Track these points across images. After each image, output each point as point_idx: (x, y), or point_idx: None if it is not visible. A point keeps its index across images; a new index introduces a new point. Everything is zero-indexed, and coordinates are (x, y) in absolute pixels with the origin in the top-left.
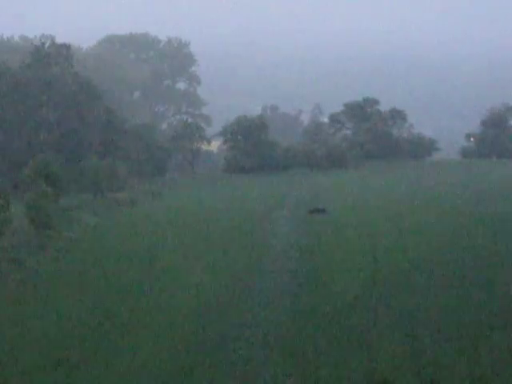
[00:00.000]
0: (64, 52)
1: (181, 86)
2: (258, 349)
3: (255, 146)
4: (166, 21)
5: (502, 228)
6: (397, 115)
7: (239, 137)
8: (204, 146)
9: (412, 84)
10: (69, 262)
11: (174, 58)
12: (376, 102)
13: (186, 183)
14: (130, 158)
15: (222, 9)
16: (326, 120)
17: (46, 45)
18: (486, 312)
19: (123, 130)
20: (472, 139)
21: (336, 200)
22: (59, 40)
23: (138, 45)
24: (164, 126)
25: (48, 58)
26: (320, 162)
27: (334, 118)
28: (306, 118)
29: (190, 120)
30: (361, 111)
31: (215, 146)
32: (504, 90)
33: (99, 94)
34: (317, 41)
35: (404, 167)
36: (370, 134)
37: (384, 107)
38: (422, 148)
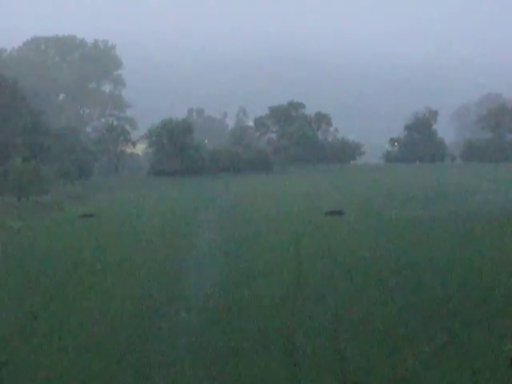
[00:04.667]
0: None
1: (106, 88)
2: (183, 352)
3: (180, 149)
4: (94, 23)
5: (429, 232)
6: (322, 119)
7: (164, 140)
8: (129, 149)
9: (338, 88)
10: None
11: (99, 61)
12: (302, 105)
13: (111, 186)
14: (55, 160)
15: (148, 12)
16: (251, 123)
17: None
18: (410, 316)
19: (48, 132)
20: (396, 144)
21: (261, 204)
22: None
23: (64, 47)
24: (89, 128)
25: None
26: (245, 166)
27: (259, 122)
28: (231, 122)
29: (115, 122)
30: (286, 115)
31: (140, 148)
32: (428, 95)
33: (24, 95)
34: (242, 44)
35: (328, 171)
36: (295, 138)
37: (309, 111)
38: (346, 152)
